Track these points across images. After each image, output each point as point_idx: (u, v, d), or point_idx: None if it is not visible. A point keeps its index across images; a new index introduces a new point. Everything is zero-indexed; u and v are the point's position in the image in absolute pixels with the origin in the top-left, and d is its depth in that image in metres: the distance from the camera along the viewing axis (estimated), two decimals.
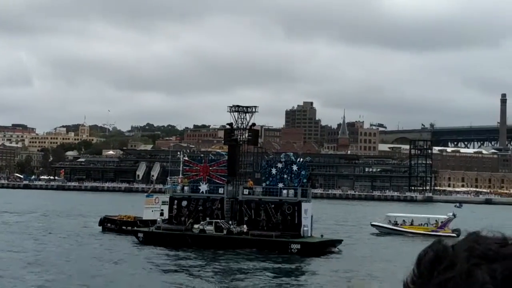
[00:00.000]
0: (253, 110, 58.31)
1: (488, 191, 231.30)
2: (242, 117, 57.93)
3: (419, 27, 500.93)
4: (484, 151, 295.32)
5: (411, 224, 71.95)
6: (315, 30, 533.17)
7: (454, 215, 71.04)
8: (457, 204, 77.92)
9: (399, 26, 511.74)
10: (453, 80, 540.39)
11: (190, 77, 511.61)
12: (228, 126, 59.57)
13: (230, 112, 58.24)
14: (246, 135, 57.94)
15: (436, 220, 71.81)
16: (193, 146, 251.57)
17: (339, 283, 37.04)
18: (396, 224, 72.24)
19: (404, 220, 73.12)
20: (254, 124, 58.79)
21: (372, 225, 73.13)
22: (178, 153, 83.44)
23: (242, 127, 58.04)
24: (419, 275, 1.65)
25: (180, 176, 64.98)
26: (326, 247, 51.12)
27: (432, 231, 69.20)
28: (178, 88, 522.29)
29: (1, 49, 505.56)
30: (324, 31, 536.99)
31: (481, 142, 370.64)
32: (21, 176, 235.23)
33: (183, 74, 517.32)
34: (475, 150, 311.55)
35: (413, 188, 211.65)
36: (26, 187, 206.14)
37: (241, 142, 58.29)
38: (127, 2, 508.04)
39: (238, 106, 58.41)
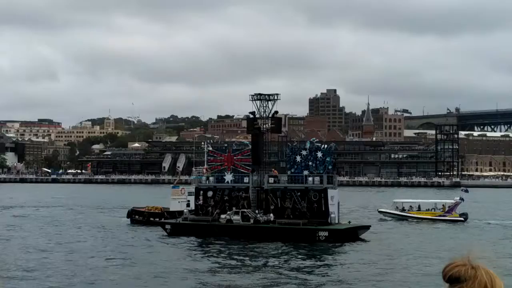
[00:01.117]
0: (275, 98, 58.00)
1: None
2: (264, 105, 57.69)
3: (442, 11, 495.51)
4: (511, 135, 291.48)
5: (418, 210, 71.88)
6: (338, 17, 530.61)
7: (462, 199, 70.56)
8: (464, 188, 77.58)
9: (422, 10, 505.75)
10: (478, 63, 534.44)
11: (213, 68, 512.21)
12: (250, 115, 59.38)
13: (252, 100, 58.02)
14: (269, 123, 57.70)
15: (443, 205, 71.55)
16: (217, 136, 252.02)
17: (370, 268, 36.87)
18: (403, 210, 72.21)
19: (411, 206, 73.11)
20: (276, 112, 58.42)
21: (380, 212, 72.94)
22: (202, 143, 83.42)
23: (264, 115, 57.81)
24: None
25: (205, 166, 65.05)
26: (354, 234, 50.88)
27: (440, 215, 69.18)
28: (202, 79, 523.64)
29: (24, 44, 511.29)
30: (346, 17, 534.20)
31: (508, 125, 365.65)
32: (49, 171, 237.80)
33: (206, 65, 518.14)
34: (502, 133, 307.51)
35: (440, 173, 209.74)
36: (54, 181, 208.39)
37: (264, 131, 58.09)
38: None
39: (260, 94, 58.13)
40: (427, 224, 65.28)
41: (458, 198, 71.20)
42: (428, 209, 71.83)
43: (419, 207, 72.53)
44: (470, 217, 69.00)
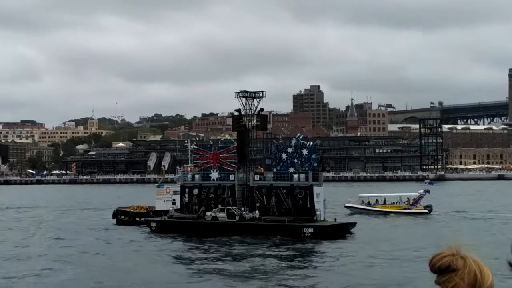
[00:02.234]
0: (261, 95, 57.99)
1: (500, 167, 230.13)
2: (249, 102, 57.70)
3: (426, 6, 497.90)
4: (494, 127, 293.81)
5: (384, 203, 72.74)
6: (322, 14, 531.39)
7: (426, 192, 71.35)
8: (428, 181, 78.93)
9: (406, 5, 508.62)
10: (461, 57, 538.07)
11: (197, 66, 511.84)
12: (236, 113, 59.34)
13: (237, 98, 57.98)
14: (255, 120, 57.68)
15: (408, 198, 72.40)
16: (202, 134, 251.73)
17: (354, 265, 36.99)
18: (369, 204, 72.90)
19: (377, 200, 73.89)
20: (262, 110, 58.42)
21: (346, 207, 73.49)
22: (186, 142, 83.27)
23: (250, 113, 57.80)
24: None
25: (190, 164, 64.91)
26: (339, 230, 50.97)
27: (405, 208, 70.05)
28: (186, 78, 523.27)
29: (7, 45, 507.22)
30: (331, 14, 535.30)
31: (491, 118, 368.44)
32: (33, 172, 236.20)
33: (189, 63, 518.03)
34: (485, 126, 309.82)
35: (424, 167, 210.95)
36: (38, 182, 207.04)
37: (249, 128, 58.09)
38: None
39: (245, 91, 58.11)
40: (393, 217, 65.96)
41: (422, 190, 72.04)
42: (393, 203, 72.80)
43: (384, 200, 73.53)
44: (435, 209, 70.23)
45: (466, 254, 2.43)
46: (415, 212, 68.46)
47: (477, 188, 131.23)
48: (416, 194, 72.38)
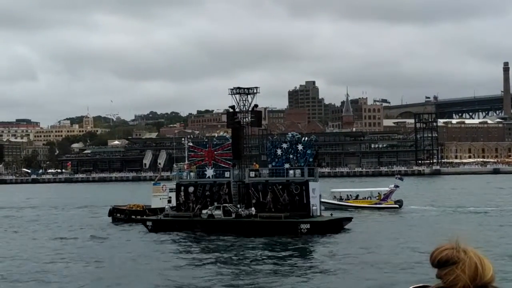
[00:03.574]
0: (254, 91, 57.92)
1: (495, 160, 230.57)
2: (244, 99, 57.60)
3: (421, 0, 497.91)
4: (489, 121, 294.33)
5: (356, 198, 73.74)
6: (317, 9, 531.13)
7: (397, 187, 72.48)
8: (398, 176, 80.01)
9: (401, 0, 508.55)
10: (456, 51, 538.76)
11: (192, 63, 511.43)
12: (230, 109, 59.25)
13: (231, 94, 57.91)
14: (249, 117, 57.61)
15: (379, 193, 73.50)
16: (198, 132, 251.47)
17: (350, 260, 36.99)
18: (341, 199, 73.68)
19: (350, 195, 74.74)
20: (256, 106, 58.35)
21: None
22: (182, 139, 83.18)
23: (244, 109, 57.71)
24: None
25: (186, 162, 64.82)
26: (335, 226, 50.96)
27: (376, 203, 71.12)
28: (181, 75, 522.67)
29: (2, 44, 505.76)
30: (326, 9, 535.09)
31: (486, 112, 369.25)
32: (29, 171, 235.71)
33: (185, 60, 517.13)
34: (480, 120, 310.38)
35: (420, 162, 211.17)
36: (34, 181, 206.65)
37: (244, 125, 57.99)
38: None
39: (239, 88, 58.06)
40: (366, 212, 66.38)
41: (393, 185, 73.24)
42: (365, 198, 73.91)
43: (357, 196, 74.45)
44: (406, 204, 71.09)
45: (467, 247, 2.42)
46: (386, 207, 69.36)
47: (469, 182, 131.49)
48: (387, 189, 73.54)
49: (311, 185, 52.71)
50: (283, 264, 36.52)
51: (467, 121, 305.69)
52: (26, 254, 42.62)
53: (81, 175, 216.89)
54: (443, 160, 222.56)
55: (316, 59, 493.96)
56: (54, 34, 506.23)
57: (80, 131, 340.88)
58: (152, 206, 63.53)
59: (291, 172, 53.59)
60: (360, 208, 69.75)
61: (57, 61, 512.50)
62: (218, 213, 52.87)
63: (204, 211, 53.56)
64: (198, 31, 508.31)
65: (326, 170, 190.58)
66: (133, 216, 62.39)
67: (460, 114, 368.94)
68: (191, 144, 61.24)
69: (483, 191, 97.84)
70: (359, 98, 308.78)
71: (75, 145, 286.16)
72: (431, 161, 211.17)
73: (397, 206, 69.71)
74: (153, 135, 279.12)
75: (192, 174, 57.45)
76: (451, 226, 50.91)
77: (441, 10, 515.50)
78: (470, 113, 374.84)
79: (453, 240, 2.44)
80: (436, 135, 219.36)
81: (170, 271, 34.82)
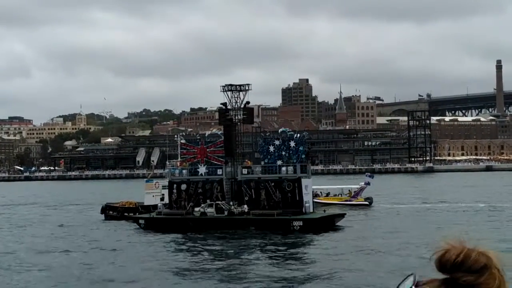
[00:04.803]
0: (247, 88, 57.76)
1: (488, 158, 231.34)
2: (236, 96, 57.47)
3: None
4: (482, 119, 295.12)
5: (327, 195, 74.34)
6: (315, 7, 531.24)
7: (367, 184, 73.07)
8: (368, 174, 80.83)
9: None
10: (450, 49, 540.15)
11: (188, 60, 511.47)
12: (222, 107, 59.11)
13: (223, 91, 57.78)
14: (241, 114, 57.47)
15: (349, 190, 74.35)
16: (191, 129, 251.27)
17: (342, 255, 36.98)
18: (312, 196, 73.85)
19: (321, 192, 75.07)
20: (248, 103, 58.17)
21: None
22: (175, 136, 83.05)
23: (236, 106, 57.56)
24: None
25: (179, 159, 64.66)
26: (328, 222, 50.93)
27: (346, 200, 71.72)
28: (176, 72, 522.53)
29: None
30: (324, 7, 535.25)
31: (479, 109, 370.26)
32: (22, 169, 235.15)
33: (181, 57, 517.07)
34: (473, 118, 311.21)
35: (413, 159, 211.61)
36: (27, 179, 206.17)
37: (236, 122, 57.87)
38: None
39: (231, 85, 57.88)
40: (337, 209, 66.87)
41: (363, 183, 73.88)
42: (336, 195, 74.66)
43: (328, 193, 75.13)
44: (376, 201, 71.79)
45: (486, 249, 2.25)
46: (356, 204, 69.80)
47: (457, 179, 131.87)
48: (357, 186, 74.17)
49: (304, 181, 52.65)
50: (273, 262, 36.44)
51: (460, 118, 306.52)
52: (12, 248, 42.43)
53: (74, 173, 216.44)
54: (436, 158, 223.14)
55: (311, 57, 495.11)
56: (50, 31, 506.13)
57: (73, 129, 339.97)
58: (145, 203, 63.39)
59: (283, 169, 53.54)
60: (330, 205, 69.66)
61: (52, 58, 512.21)
62: (210, 210, 52.76)
63: (196, 209, 53.45)
64: (194, 28, 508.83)
65: (319, 167, 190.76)
66: (125, 214, 62.19)
67: (453, 112, 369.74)
68: (183, 141, 61.07)
69: (458, 188, 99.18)
70: (353, 96, 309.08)
71: (68, 143, 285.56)
72: (424, 158, 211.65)
73: (367, 203, 70.43)
74: (146, 132, 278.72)
75: (184, 171, 57.30)
76: (406, 223, 52.60)
77: (435, 8, 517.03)
78: (463, 111, 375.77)
79: (457, 241, 2.22)
80: (429, 132, 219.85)
81: (161, 271, 34.68)
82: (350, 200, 71.51)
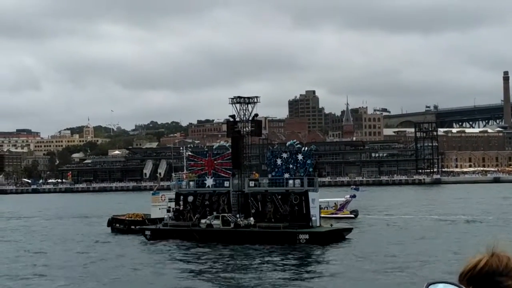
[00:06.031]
0: (255, 100, 57.75)
1: (496, 169, 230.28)
2: (244, 108, 57.46)
3: (422, 10, 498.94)
4: (489, 130, 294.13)
5: None
6: (321, 18, 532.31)
7: (353, 197, 73.71)
8: (353, 187, 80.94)
9: (405, 9, 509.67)
10: (457, 60, 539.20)
11: (195, 72, 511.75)
12: (230, 119, 59.11)
13: (232, 104, 57.78)
14: (249, 126, 57.45)
15: (335, 203, 74.36)
16: (198, 141, 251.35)
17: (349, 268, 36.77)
18: None
19: None
20: (256, 115, 58.12)
21: None
22: (181, 148, 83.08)
23: (244, 118, 57.56)
24: None
25: (185, 171, 64.60)
26: (335, 237, 50.62)
27: (332, 213, 71.37)
28: (182, 84, 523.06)
29: (6, 54, 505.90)
30: (330, 18, 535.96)
31: (486, 121, 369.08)
32: (29, 181, 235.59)
33: (188, 70, 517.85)
34: (481, 129, 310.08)
35: (420, 171, 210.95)
36: (34, 191, 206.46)
37: (244, 134, 57.84)
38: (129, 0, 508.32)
39: (240, 97, 57.90)
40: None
41: (349, 196, 74.56)
42: (322, 208, 73.51)
43: None
44: (361, 214, 72.06)
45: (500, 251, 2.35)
46: (342, 216, 69.59)
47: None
48: (343, 199, 74.42)
49: (311, 195, 52.42)
50: (278, 275, 36.27)
51: (467, 130, 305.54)
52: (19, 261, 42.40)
53: (81, 185, 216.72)
54: (443, 169, 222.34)
55: (318, 68, 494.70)
56: (59, 43, 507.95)
57: (80, 141, 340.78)
58: (152, 216, 63.21)
59: (290, 182, 53.39)
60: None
61: (61, 70, 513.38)
62: (216, 222, 52.64)
63: (202, 221, 53.34)
64: (201, 40, 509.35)
65: (326, 179, 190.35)
66: (132, 226, 62.04)
67: (460, 123, 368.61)
68: (190, 153, 61.11)
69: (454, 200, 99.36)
70: (359, 108, 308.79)
71: (75, 155, 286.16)
72: (432, 170, 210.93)
73: (352, 216, 70.27)
74: (154, 144, 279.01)
75: (191, 183, 57.27)
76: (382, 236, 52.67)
77: (441, 19, 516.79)
78: (470, 122, 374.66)
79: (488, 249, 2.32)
80: (437, 144, 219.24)
81: (166, 280, 34.58)
82: (335, 213, 71.22)
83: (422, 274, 33.31)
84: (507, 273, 2.30)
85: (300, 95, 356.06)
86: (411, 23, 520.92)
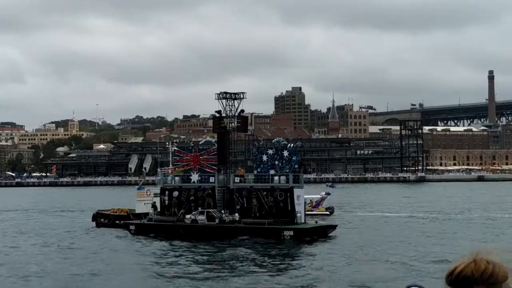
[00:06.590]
0: (241, 96, 57.67)
1: (480, 168, 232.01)
2: (230, 104, 57.38)
3: (410, 8, 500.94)
4: (474, 129, 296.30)
5: None
6: (310, 15, 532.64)
7: (328, 194, 74.12)
8: (329, 184, 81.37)
9: (391, 8, 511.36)
10: (443, 59, 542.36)
11: (182, 68, 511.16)
12: (217, 114, 59.02)
13: (218, 99, 57.66)
14: (235, 122, 57.41)
15: (310, 200, 73.95)
16: (184, 136, 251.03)
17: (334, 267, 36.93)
18: None
19: None
20: (242, 111, 58.06)
21: None
22: (167, 143, 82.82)
23: (230, 114, 57.49)
24: None
25: (171, 166, 64.44)
26: (319, 233, 50.79)
27: (308, 210, 71.01)
28: (169, 79, 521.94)
29: None
30: (319, 16, 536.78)
31: (471, 119, 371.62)
32: (13, 174, 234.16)
33: (176, 64, 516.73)
34: (465, 128, 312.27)
35: (405, 168, 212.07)
36: (18, 185, 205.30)
37: (230, 130, 57.80)
38: None
39: (226, 93, 57.80)
40: None
41: (324, 193, 74.83)
42: None
43: None
44: (337, 211, 72.94)
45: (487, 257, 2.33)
46: (317, 213, 69.56)
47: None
48: (318, 196, 74.53)
49: (296, 191, 52.51)
50: (261, 270, 36.34)
51: (452, 128, 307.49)
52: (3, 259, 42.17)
53: (65, 179, 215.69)
54: (428, 167, 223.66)
55: (305, 65, 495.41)
56: (45, 37, 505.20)
57: (65, 135, 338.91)
58: (137, 211, 63.02)
59: (276, 178, 53.45)
60: None
61: (46, 64, 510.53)
62: (201, 218, 52.60)
63: (187, 216, 53.31)
64: (189, 35, 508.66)
65: (311, 176, 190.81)
66: (117, 221, 61.83)
67: (445, 122, 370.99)
68: (175, 148, 60.96)
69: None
70: (345, 105, 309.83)
71: (60, 149, 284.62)
72: (416, 168, 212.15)
73: (328, 213, 70.63)
74: (139, 139, 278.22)
75: (177, 178, 57.19)
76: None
77: (429, 18, 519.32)
78: (455, 121, 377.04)
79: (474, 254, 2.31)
80: (421, 142, 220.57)
81: (149, 277, 34.53)
82: (311, 210, 70.74)
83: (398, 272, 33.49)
84: (484, 281, 2.28)
85: (286, 91, 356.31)
86: (398, 22, 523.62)
